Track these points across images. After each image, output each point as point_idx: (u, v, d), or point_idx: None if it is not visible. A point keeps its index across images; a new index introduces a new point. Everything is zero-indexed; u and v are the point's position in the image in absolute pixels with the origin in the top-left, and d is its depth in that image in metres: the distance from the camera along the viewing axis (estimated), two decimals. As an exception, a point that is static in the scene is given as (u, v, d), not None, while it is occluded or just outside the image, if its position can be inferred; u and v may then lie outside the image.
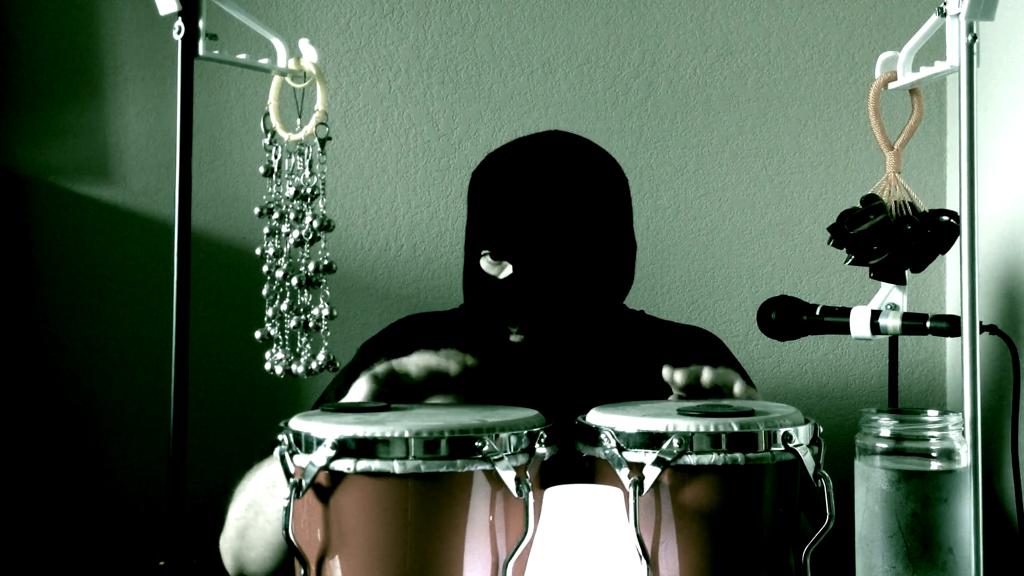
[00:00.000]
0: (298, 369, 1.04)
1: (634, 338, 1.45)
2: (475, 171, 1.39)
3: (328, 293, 1.05)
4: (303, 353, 1.05)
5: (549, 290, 1.30)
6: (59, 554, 1.85)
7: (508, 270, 1.32)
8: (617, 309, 1.43)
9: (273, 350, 1.06)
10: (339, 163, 1.91)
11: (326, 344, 1.06)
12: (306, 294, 1.04)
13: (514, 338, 1.33)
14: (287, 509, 0.94)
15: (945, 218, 1.13)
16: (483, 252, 1.34)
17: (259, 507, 1.21)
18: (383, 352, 1.37)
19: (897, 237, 1.13)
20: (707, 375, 1.16)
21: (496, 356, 1.38)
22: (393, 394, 1.19)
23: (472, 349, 1.35)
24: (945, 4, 1.01)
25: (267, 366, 1.06)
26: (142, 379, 1.86)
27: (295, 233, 1.05)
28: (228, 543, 1.27)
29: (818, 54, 2.02)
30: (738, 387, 1.15)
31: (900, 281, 1.14)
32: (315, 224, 1.04)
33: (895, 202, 1.13)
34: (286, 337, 1.05)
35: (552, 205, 1.30)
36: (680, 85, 1.99)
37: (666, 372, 1.18)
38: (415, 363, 1.16)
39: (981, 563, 0.95)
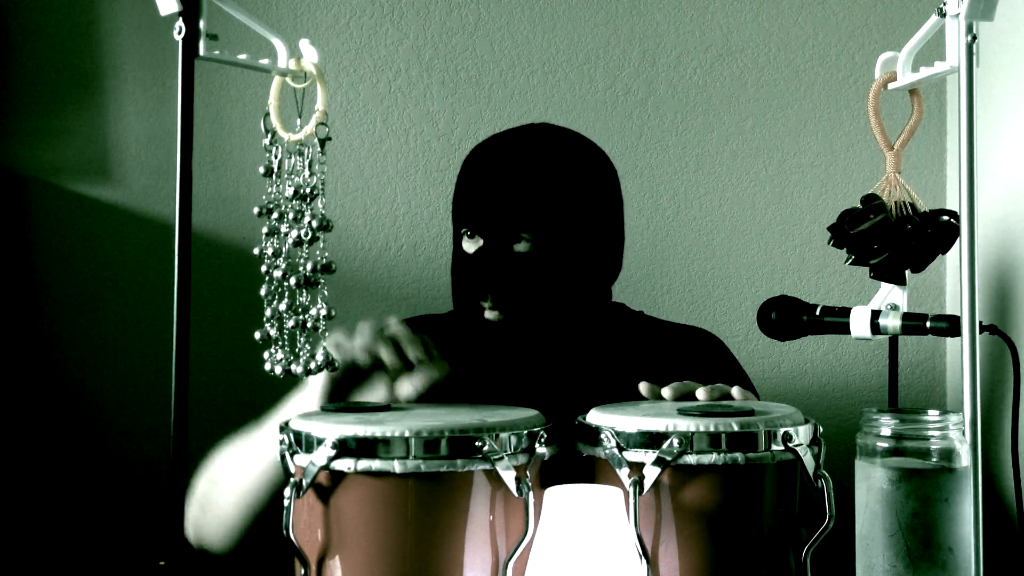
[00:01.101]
0: (297, 369, 1.04)
1: (633, 338, 1.45)
2: (464, 160, 1.42)
3: (326, 293, 1.05)
4: (302, 353, 1.05)
5: (515, 262, 1.31)
6: (59, 553, 1.85)
7: (479, 243, 1.34)
8: (599, 301, 1.43)
9: (272, 350, 1.06)
10: (339, 163, 1.91)
11: (324, 344, 1.06)
12: (305, 294, 1.04)
13: (489, 315, 1.33)
14: (287, 509, 0.94)
15: (945, 218, 1.13)
16: (462, 230, 1.36)
17: (216, 482, 1.22)
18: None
19: (897, 237, 1.13)
20: (702, 394, 1.13)
21: (484, 355, 1.38)
22: (355, 384, 1.19)
23: (461, 347, 1.36)
24: (945, 4, 1.01)
25: (267, 366, 1.06)
26: (142, 379, 1.86)
27: (294, 233, 1.05)
28: (191, 514, 1.28)
29: (818, 54, 2.02)
30: (736, 391, 1.14)
31: (900, 281, 1.14)
32: (314, 224, 1.04)
33: (895, 202, 1.13)
34: (285, 337, 1.05)
35: (517, 176, 1.31)
36: (680, 85, 1.99)
37: (644, 388, 1.16)
38: (359, 341, 1.17)
39: (981, 563, 0.95)
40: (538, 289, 1.32)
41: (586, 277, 1.36)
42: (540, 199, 1.30)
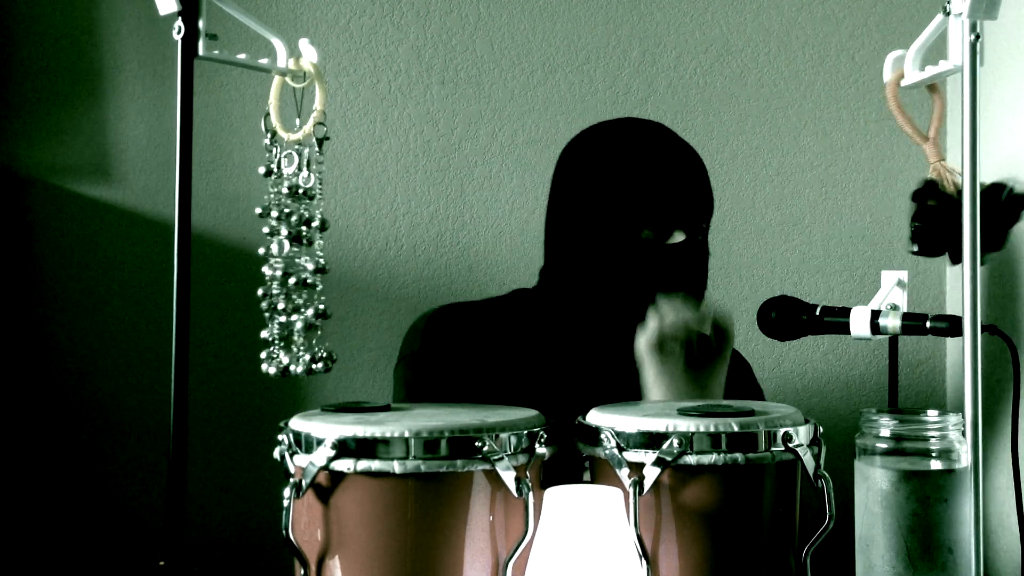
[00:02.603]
0: (297, 369, 1.04)
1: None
2: (599, 153, 1.42)
3: (319, 289, 1.05)
4: (301, 353, 1.04)
5: (703, 249, 1.42)
6: (59, 554, 1.85)
7: (680, 237, 1.37)
8: None
9: (271, 351, 1.05)
10: (339, 163, 1.91)
11: (318, 343, 1.05)
12: (303, 294, 1.04)
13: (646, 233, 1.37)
14: (287, 509, 0.94)
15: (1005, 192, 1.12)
16: (645, 228, 1.37)
17: None
18: (441, 356, 1.40)
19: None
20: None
21: (561, 336, 1.41)
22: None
23: (538, 332, 1.40)
24: (949, 3, 1.01)
25: (271, 369, 1.05)
26: (142, 379, 1.86)
27: (289, 232, 1.05)
28: None
29: (818, 54, 2.02)
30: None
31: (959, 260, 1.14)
32: (313, 224, 1.04)
33: (950, 182, 1.12)
34: (280, 336, 1.05)
35: (699, 172, 1.41)
36: (680, 85, 1.99)
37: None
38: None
39: (981, 563, 0.95)
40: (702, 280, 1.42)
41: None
42: (710, 193, 1.42)
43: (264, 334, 1.06)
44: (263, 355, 1.05)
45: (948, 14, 1.01)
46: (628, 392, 1.30)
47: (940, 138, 2.01)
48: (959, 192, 1.12)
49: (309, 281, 1.03)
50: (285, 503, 0.94)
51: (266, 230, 1.06)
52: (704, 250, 1.42)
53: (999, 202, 1.12)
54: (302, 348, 1.04)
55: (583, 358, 1.40)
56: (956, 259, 1.13)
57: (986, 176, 1.75)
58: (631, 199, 1.36)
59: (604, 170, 1.39)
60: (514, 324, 1.45)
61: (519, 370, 1.37)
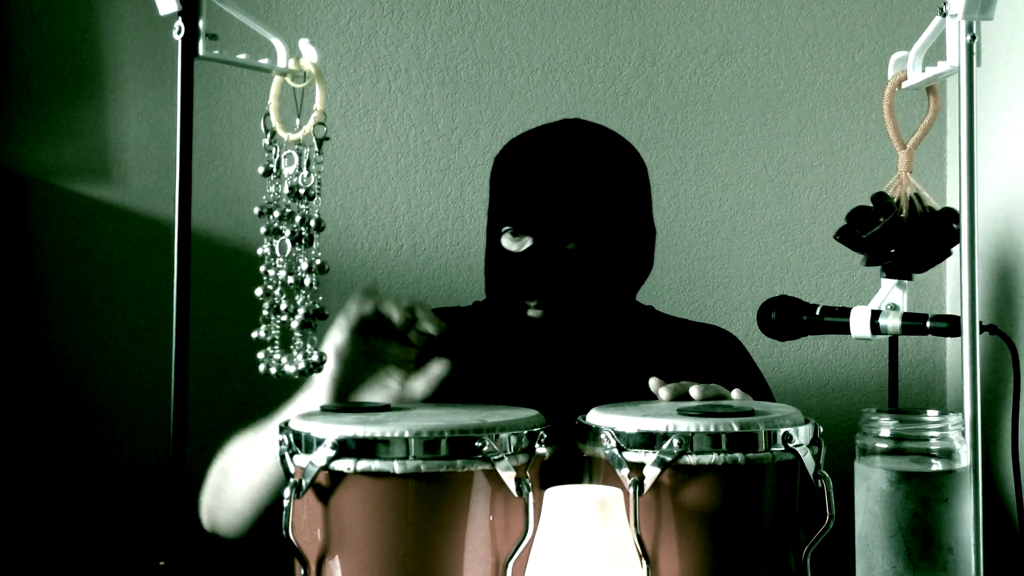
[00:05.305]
0: (290, 369, 1.04)
1: (649, 336, 1.44)
2: (497, 156, 1.42)
3: (316, 291, 1.05)
4: (296, 352, 1.04)
5: (565, 261, 1.32)
6: (59, 554, 1.85)
7: (528, 243, 1.33)
8: (630, 299, 1.43)
9: (268, 351, 1.05)
10: (339, 163, 1.91)
11: (312, 344, 1.05)
12: (301, 294, 1.04)
13: (533, 313, 1.33)
14: (287, 509, 0.94)
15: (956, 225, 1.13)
16: (504, 228, 1.35)
17: (228, 472, 1.26)
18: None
19: (909, 236, 1.13)
20: (695, 392, 1.12)
21: (517, 350, 1.39)
22: (373, 344, 1.18)
23: (488, 339, 1.38)
24: (946, 4, 1.01)
25: (261, 368, 1.05)
26: (142, 379, 1.86)
27: (289, 232, 1.04)
28: (204, 501, 1.32)
29: (818, 54, 2.02)
30: (735, 393, 1.14)
31: (910, 277, 1.14)
32: (311, 224, 1.04)
33: (905, 196, 1.13)
34: (276, 336, 1.05)
35: (568, 177, 1.31)
36: (680, 85, 1.99)
37: (653, 384, 1.15)
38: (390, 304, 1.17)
39: (981, 563, 0.95)
40: (585, 289, 1.33)
41: (626, 275, 1.38)
42: (592, 202, 1.31)
43: (258, 333, 1.06)
44: (260, 355, 1.05)
45: (944, 15, 1.01)
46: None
47: (940, 137, 2.02)
48: (910, 205, 1.13)
49: (308, 281, 1.03)
50: (285, 503, 0.94)
51: (264, 230, 1.06)
52: (580, 261, 1.31)
53: (948, 228, 1.13)
54: (297, 349, 1.04)
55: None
56: (891, 273, 1.15)
57: (984, 177, 1.76)
58: (495, 199, 1.37)
59: (498, 173, 1.39)
60: (491, 330, 1.42)
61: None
